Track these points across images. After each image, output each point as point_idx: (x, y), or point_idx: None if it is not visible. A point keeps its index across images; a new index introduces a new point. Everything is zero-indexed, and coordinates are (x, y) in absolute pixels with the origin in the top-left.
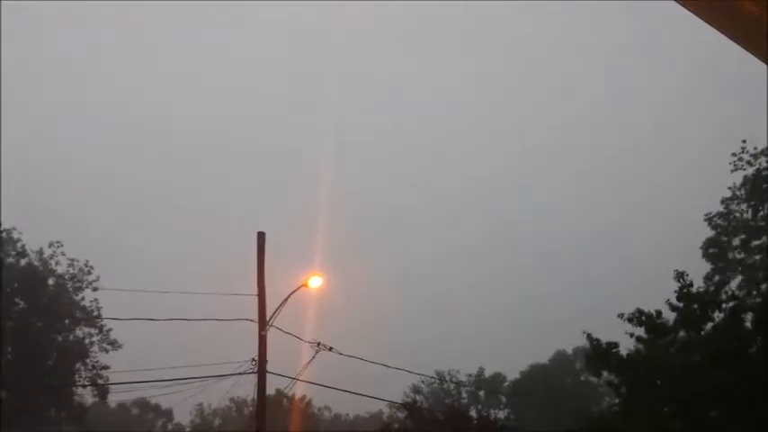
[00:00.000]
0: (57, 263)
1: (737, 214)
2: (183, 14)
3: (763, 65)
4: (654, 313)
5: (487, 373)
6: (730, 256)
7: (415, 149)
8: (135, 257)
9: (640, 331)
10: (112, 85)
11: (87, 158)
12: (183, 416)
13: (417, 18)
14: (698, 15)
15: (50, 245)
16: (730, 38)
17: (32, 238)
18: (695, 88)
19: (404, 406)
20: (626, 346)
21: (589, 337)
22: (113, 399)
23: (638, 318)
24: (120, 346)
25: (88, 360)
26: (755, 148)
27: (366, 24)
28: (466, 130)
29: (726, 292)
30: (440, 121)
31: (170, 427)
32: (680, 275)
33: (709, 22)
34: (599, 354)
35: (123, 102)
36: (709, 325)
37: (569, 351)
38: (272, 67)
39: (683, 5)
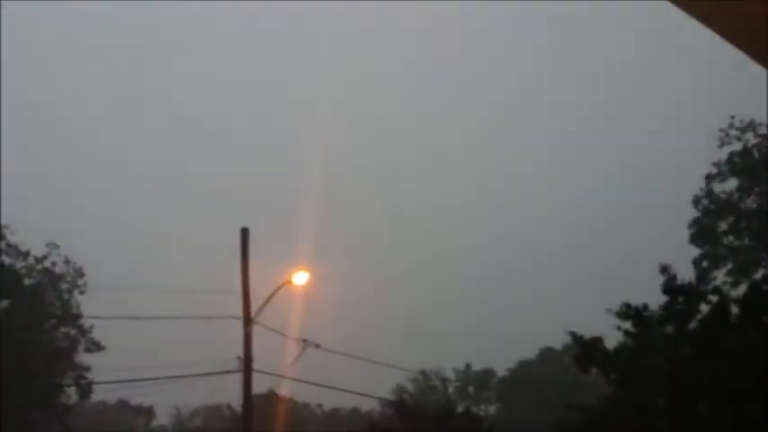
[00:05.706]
0: (53, 263)
1: (723, 195)
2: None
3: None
4: (641, 307)
5: (476, 369)
6: (718, 240)
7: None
8: (120, 255)
9: (628, 325)
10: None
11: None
12: (166, 416)
13: None
14: (692, 15)
15: (47, 245)
16: (726, 39)
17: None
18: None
19: (391, 404)
20: (616, 339)
21: (572, 334)
22: (94, 398)
23: (625, 312)
24: (103, 348)
25: (75, 360)
26: (741, 122)
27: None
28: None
29: (711, 280)
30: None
31: (152, 426)
32: (664, 268)
33: (704, 23)
34: (584, 349)
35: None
36: (696, 318)
37: (558, 347)
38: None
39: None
